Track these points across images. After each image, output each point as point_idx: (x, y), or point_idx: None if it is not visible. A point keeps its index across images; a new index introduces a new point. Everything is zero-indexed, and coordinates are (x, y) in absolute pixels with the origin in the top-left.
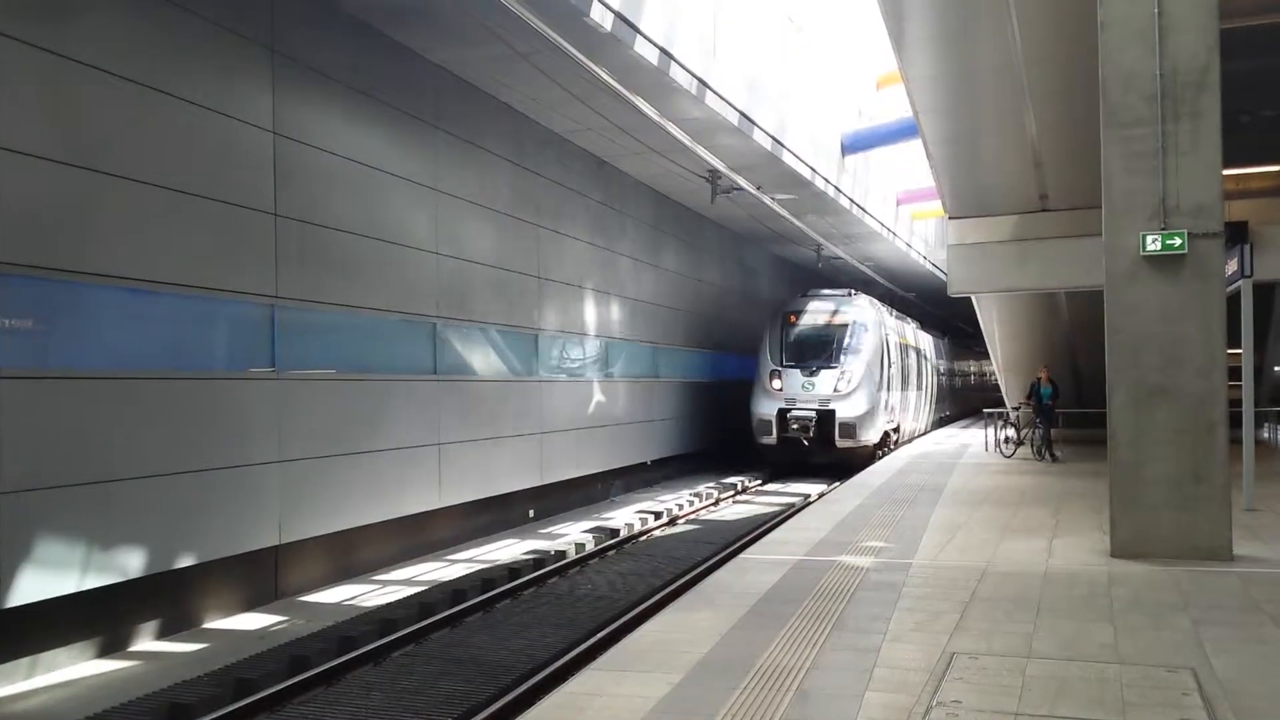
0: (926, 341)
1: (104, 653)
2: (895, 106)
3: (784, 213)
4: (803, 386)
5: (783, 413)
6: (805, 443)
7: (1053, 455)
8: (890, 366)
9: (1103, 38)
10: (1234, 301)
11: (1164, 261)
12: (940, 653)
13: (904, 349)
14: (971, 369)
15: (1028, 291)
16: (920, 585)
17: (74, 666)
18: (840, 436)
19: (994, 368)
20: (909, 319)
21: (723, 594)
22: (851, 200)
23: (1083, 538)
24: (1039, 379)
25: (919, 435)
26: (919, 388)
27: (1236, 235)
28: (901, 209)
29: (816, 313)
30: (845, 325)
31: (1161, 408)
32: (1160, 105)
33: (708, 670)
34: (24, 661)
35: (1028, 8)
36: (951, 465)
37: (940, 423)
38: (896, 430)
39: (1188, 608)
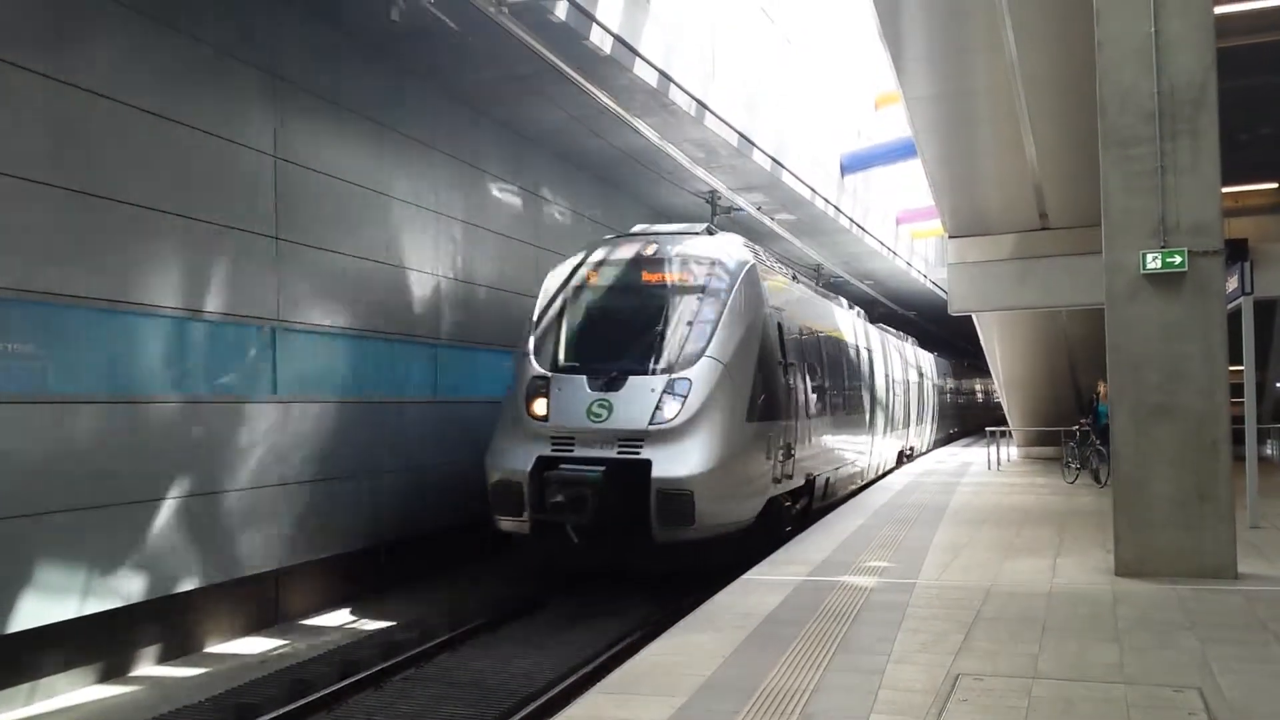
0: (880, 339)
1: (105, 678)
2: (894, 126)
3: (785, 233)
4: (590, 412)
5: (543, 466)
6: (574, 536)
7: (1098, 478)
8: (790, 371)
9: (1100, 57)
10: (1235, 319)
11: (1164, 280)
12: (945, 674)
13: (827, 341)
14: (950, 385)
15: (1028, 310)
16: (924, 606)
17: (75, 692)
18: (662, 519)
19: (995, 384)
20: (840, 299)
21: (726, 615)
22: (851, 220)
23: (1087, 557)
24: (1096, 395)
25: (867, 483)
26: (855, 408)
27: (1236, 253)
28: (901, 228)
29: (633, 267)
30: (688, 290)
31: (1164, 426)
32: (1159, 124)
33: (711, 693)
34: (24, 687)
35: (1025, 28)
36: (953, 485)
37: (907, 455)
38: (810, 485)
39: (1193, 627)
